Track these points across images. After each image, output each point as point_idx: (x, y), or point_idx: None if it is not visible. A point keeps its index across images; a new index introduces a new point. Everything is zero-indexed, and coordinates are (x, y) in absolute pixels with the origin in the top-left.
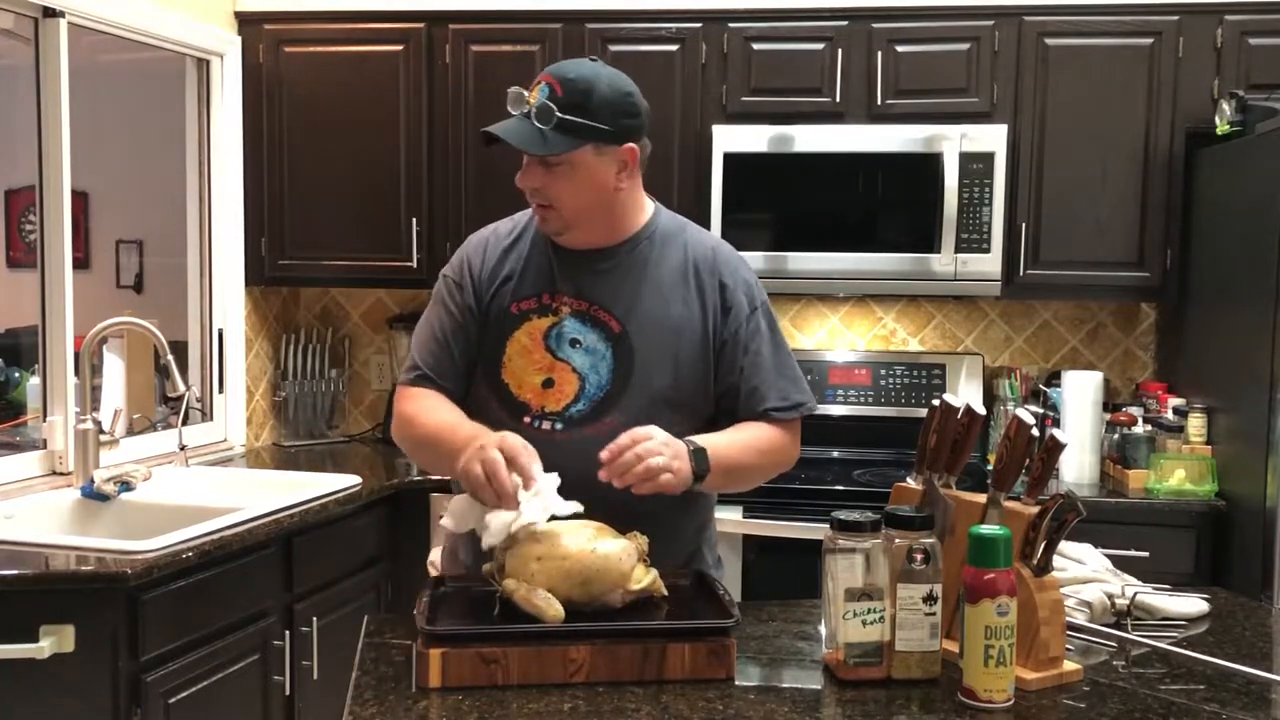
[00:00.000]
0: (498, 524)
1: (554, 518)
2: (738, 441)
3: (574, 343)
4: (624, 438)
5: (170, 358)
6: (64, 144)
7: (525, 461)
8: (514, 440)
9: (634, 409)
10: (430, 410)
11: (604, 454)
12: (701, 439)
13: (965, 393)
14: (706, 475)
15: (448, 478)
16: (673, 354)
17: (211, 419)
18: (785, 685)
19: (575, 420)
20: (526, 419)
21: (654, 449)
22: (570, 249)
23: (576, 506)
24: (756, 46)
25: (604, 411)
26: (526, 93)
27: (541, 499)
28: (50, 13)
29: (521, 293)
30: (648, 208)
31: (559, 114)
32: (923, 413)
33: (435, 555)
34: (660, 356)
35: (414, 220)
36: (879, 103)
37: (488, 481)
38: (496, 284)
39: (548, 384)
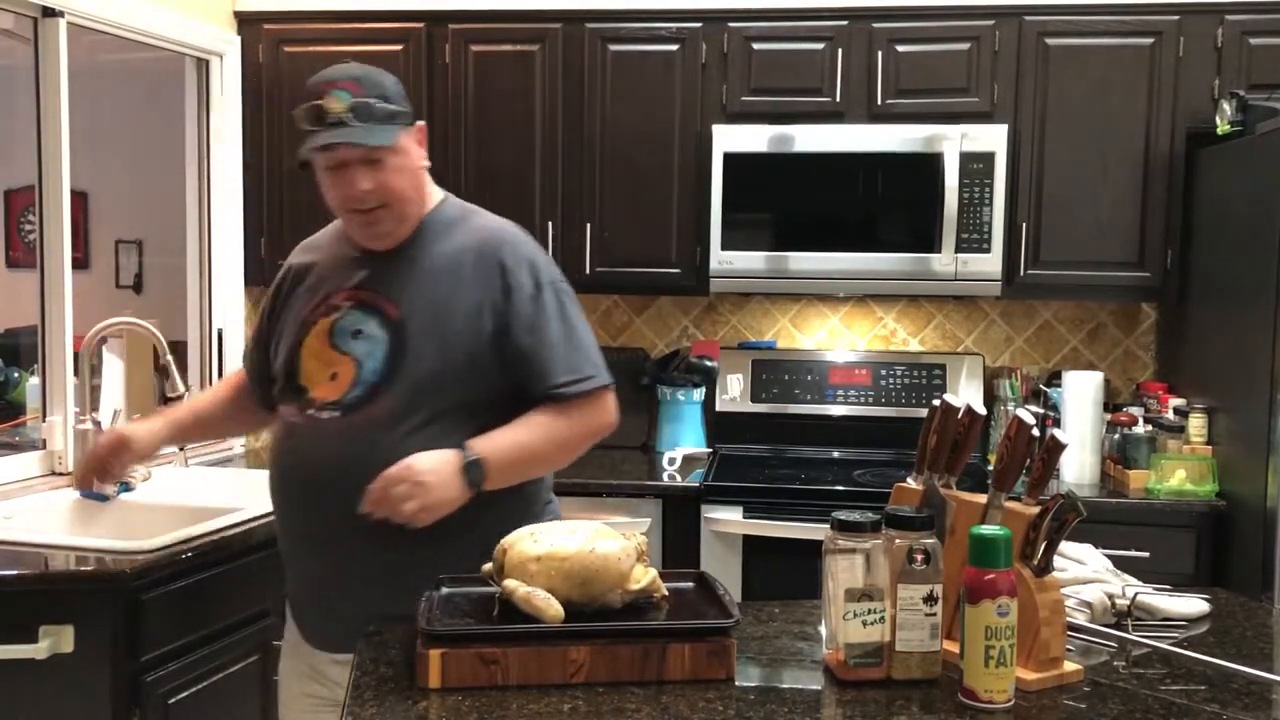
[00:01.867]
0: None
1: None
2: (523, 434)
3: (356, 334)
4: (380, 480)
5: (170, 358)
6: (64, 144)
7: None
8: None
9: (403, 393)
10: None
11: (366, 501)
12: (482, 442)
13: (965, 393)
14: (483, 484)
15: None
16: (443, 338)
17: None
18: (785, 686)
19: (351, 406)
20: (310, 411)
21: (404, 494)
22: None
23: None
24: (756, 46)
25: (377, 396)
26: (323, 104)
27: None
28: (50, 13)
29: (314, 299)
30: (435, 195)
31: (380, 105)
32: (923, 413)
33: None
34: (430, 341)
35: None
36: (879, 102)
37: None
38: (293, 294)
39: (333, 378)
